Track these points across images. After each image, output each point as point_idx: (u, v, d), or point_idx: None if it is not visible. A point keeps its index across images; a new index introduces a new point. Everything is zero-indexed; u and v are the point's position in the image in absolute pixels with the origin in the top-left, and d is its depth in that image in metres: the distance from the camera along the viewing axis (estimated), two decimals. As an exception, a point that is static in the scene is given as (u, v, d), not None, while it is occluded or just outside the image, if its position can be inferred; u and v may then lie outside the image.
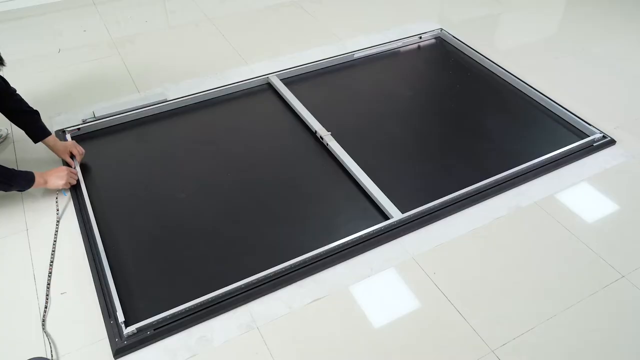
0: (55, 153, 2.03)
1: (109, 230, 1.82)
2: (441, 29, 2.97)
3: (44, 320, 1.53)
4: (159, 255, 1.75)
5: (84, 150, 2.07)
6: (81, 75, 2.63)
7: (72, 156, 2.04)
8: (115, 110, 2.32)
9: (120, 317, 1.50)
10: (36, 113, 1.98)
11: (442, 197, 1.91)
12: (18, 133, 2.03)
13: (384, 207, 1.88)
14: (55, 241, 1.76)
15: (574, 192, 1.99)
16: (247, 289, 1.61)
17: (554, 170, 2.06)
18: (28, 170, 1.85)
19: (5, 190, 1.80)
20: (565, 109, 2.35)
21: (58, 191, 1.93)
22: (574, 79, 2.62)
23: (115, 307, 1.54)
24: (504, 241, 1.80)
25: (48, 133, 1.99)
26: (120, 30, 3.03)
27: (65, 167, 1.93)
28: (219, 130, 2.31)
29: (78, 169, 2.01)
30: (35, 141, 1.98)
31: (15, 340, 1.49)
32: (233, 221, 1.87)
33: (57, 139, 2.03)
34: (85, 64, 2.71)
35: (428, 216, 1.86)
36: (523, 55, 2.79)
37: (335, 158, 2.13)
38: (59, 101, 2.43)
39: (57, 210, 1.88)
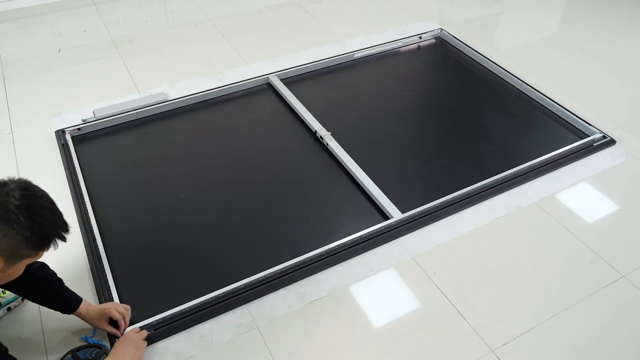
0: (89, 323, 1.48)
1: (109, 230, 1.82)
2: (441, 29, 2.96)
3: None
4: (159, 255, 1.75)
5: (128, 307, 1.51)
6: (81, 75, 2.63)
7: (113, 322, 1.48)
8: (115, 110, 2.32)
9: (120, 317, 1.50)
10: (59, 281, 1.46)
11: (442, 197, 1.91)
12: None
13: (384, 207, 1.88)
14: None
15: (574, 192, 1.99)
16: (247, 289, 1.61)
17: (554, 170, 2.06)
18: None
19: None
20: (565, 109, 2.35)
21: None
22: (574, 79, 2.62)
23: (115, 307, 1.53)
24: (504, 241, 1.80)
25: (80, 299, 1.46)
26: (120, 30, 3.03)
27: (131, 335, 1.42)
28: (219, 130, 2.31)
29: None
30: (70, 312, 1.45)
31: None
32: (233, 221, 1.87)
33: (89, 304, 1.48)
34: (85, 64, 2.71)
35: (428, 216, 1.86)
36: (523, 55, 2.79)
37: (335, 158, 2.12)
38: (59, 101, 2.43)
39: None
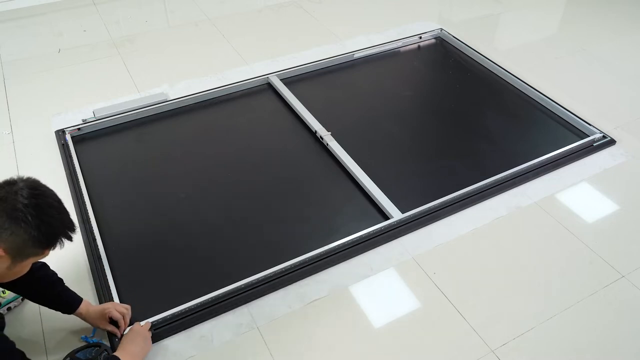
0: (89, 323, 1.48)
1: (109, 230, 1.82)
2: (441, 29, 2.96)
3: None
4: (159, 255, 1.75)
5: (129, 306, 1.50)
6: (81, 75, 2.63)
7: (113, 321, 1.47)
8: (115, 110, 2.32)
9: (120, 317, 1.50)
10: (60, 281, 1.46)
11: (442, 197, 1.91)
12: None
13: (384, 207, 1.88)
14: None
15: (574, 192, 1.99)
16: (247, 289, 1.61)
17: (554, 170, 2.06)
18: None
19: None
20: (565, 109, 2.35)
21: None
22: (574, 79, 2.62)
23: (115, 307, 1.53)
24: (504, 241, 1.80)
25: (80, 298, 1.45)
26: (120, 30, 3.03)
27: (138, 328, 1.44)
28: (219, 130, 2.31)
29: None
30: (70, 312, 1.44)
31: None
32: (233, 221, 1.87)
33: (89, 304, 1.47)
34: (85, 64, 2.71)
35: (428, 216, 1.86)
36: (523, 55, 2.79)
37: (335, 158, 2.12)
38: (59, 101, 2.43)
39: None
